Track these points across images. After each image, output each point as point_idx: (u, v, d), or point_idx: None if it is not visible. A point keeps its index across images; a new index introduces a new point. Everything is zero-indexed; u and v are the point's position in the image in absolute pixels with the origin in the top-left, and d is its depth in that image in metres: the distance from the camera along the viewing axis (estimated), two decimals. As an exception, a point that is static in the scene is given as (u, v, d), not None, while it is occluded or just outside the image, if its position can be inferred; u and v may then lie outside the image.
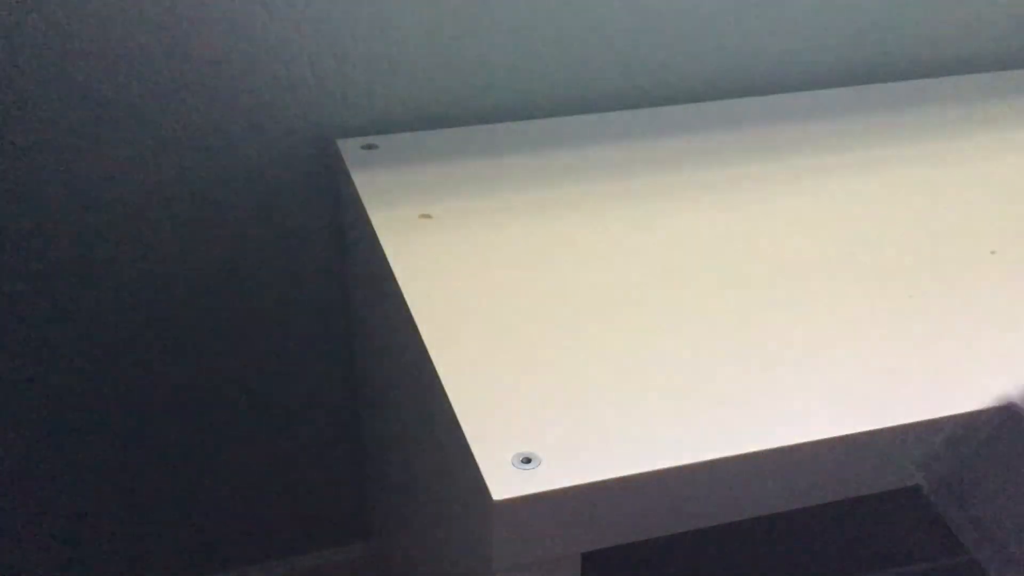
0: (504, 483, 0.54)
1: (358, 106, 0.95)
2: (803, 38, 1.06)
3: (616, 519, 0.57)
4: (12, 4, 0.83)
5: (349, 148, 0.93)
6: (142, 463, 1.06)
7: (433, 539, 0.77)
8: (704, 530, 0.60)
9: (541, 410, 0.60)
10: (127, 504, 1.08)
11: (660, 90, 1.04)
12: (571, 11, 0.97)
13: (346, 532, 1.18)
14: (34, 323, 0.96)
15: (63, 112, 0.88)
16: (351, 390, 1.09)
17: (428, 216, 0.82)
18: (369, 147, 0.93)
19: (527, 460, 0.56)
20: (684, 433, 0.59)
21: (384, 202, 0.83)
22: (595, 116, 1.00)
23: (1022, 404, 0.30)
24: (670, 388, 0.62)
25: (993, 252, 0.77)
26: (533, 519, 0.55)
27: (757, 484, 0.59)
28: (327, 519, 1.16)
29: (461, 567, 0.67)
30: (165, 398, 1.03)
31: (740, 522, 0.61)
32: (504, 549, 0.55)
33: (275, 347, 1.04)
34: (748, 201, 0.85)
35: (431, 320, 0.68)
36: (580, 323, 0.68)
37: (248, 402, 1.06)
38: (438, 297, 0.71)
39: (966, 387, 0.62)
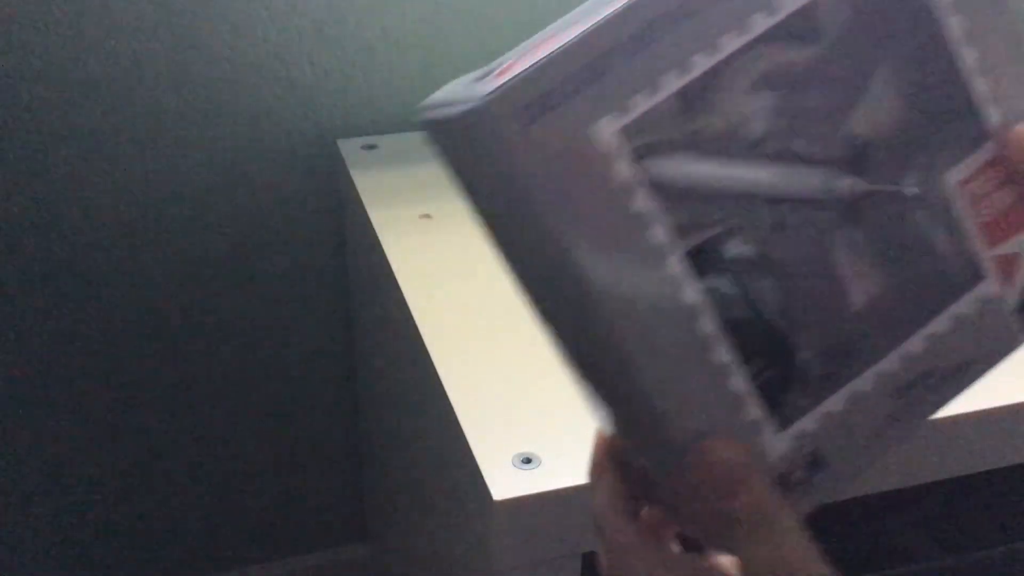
0: (504, 483, 0.54)
1: (358, 106, 0.95)
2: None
3: (616, 519, 0.57)
4: (16, 5, 0.83)
5: (349, 148, 0.92)
6: (142, 463, 1.06)
7: (433, 539, 0.77)
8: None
9: (541, 410, 0.60)
10: (127, 504, 1.08)
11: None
12: (570, 11, 0.97)
13: (346, 532, 1.18)
14: (33, 323, 0.96)
15: (64, 113, 0.88)
16: (351, 390, 1.09)
17: (428, 216, 0.81)
18: (369, 147, 0.93)
19: (527, 460, 0.56)
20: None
21: (384, 202, 0.83)
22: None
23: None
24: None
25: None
26: (533, 519, 0.55)
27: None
28: (327, 519, 1.16)
29: (461, 567, 0.66)
30: (165, 398, 1.03)
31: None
32: (504, 549, 0.55)
33: (275, 347, 1.04)
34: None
35: (431, 320, 0.68)
36: (580, 323, 0.68)
37: (248, 402, 1.06)
38: (438, 297, 0.71)
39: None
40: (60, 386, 0.99)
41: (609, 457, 0.38)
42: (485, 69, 0.33)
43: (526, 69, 0.30)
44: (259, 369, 1.05)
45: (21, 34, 0.84)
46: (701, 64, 0.32)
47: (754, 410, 0.33)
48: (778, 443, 0.34)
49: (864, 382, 0.35)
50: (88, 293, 0.96)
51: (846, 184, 0.36)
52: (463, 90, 0.32)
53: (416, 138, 0.95)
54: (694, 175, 0.34)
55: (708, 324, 0.32)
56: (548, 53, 0.30)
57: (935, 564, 0.73)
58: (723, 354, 0.33)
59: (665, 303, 0.32)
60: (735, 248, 0.36)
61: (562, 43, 0.30)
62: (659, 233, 0.32)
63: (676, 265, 0.32)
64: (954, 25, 0.34)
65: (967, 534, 0.75)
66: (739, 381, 0.33)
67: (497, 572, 0.56)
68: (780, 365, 0.35)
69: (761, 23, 0.32)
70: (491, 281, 0.73)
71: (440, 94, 0.34)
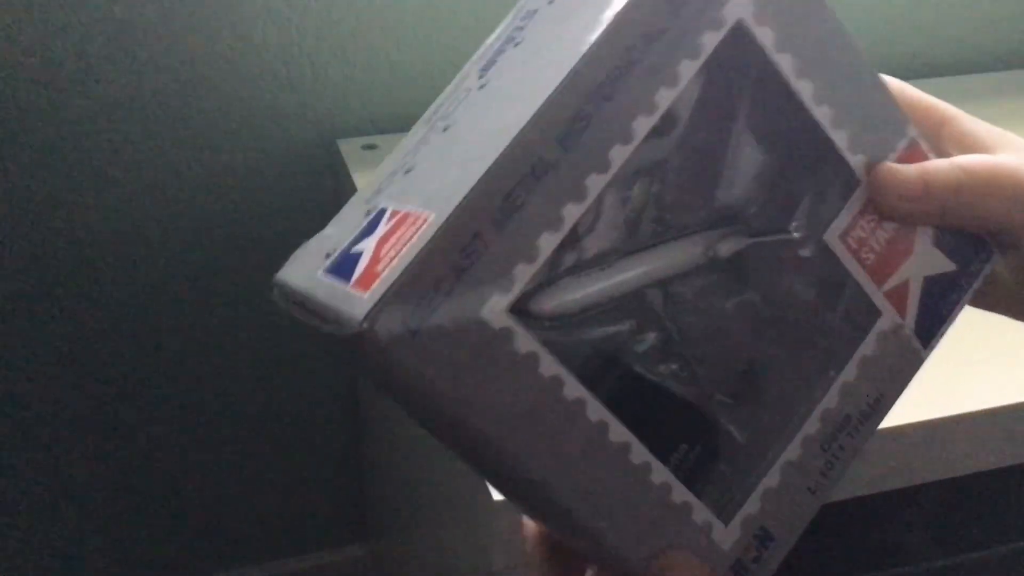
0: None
1: (358, 106, 0.95)
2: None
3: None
4: (16, 6, 0.83)
5: (349, 148, 0.92)
6: (142, 463, 1.06)
7: (433, 539, 0.77)
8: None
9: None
10: (127, 504, 1.08)
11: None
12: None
13: (346, 532, 1.18)
14: (33, 323, 0.96)
15: (63, 113, 0.88)
16: (351, 390, 1.09)
17: (428, 216, 0.81)
18: (369, 147, 0.93)
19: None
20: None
21: (384, 202, 0.83)
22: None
23: None
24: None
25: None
26: (533, 519, 0.55)
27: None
28: (327, 519, 1.16)
29: (461, 567, 0.66)
30: (164, 397, 1.03)
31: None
32: (504, 549, 0.55)
33: (275, 347, 1.04)
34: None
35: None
36: (580, 323, 0.68)
37: (248, 402, 1.06)
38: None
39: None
40: (59, 386, 0.99)
41: (543, 550, 0.38)
42: (341, 248, 0.32)
43: (398, 274, 0.28)
44: (259, 369, 1.05)
45: (21, 34, 0.84)
46: (572, 213, 0.31)
47: (701, 513, 0.34)
48: (729, 535, 0.35)
49: (793, 450, 0.36)
50: (87, 293, 0.96)
51: (727, 244, 0.37)
52: (333, 293, 0.30)
53: (416, 138, 0.95)
54: (581, 298, 0.35)
55: (640, 454, 0.33)
56: (413, 249, 0.29)
57: (935, 564, 0.73)
58: (660, 473, 0.33)
59: (594, 449, 0.32)
60: (642, 344, 0.37)
61: (424, 232, 0.29)
62: (574, 388, 0.31)
63: (598, 411, 0.32)
64: (803, 88, 0.35)
65: (967, 534, 0.75)
66: (681, 492, 0.34)
67: (497, 572, 0.56)
68: (705, 442, 0.36)
69: (621, 154, 0.31)
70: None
71: (299, 280, 0.32)
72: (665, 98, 0.32)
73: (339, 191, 0.96)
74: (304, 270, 0.33)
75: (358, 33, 0.92)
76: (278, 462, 1.11)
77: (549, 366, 0.31)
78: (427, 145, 0.34)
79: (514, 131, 0.30)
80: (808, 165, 0.37)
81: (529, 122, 0.30)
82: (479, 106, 0.33)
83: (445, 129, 0.34)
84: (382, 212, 0.32)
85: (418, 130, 0.36)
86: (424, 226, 0.29)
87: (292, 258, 0.34)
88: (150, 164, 0.92)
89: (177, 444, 1.06)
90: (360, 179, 0.87)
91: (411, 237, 0.29)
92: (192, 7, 0.87)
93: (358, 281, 0.29)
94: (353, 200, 0.35)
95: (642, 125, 0.31)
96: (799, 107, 0.35)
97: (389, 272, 0.29)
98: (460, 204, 0.29)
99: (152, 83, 0.89)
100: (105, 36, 0.86)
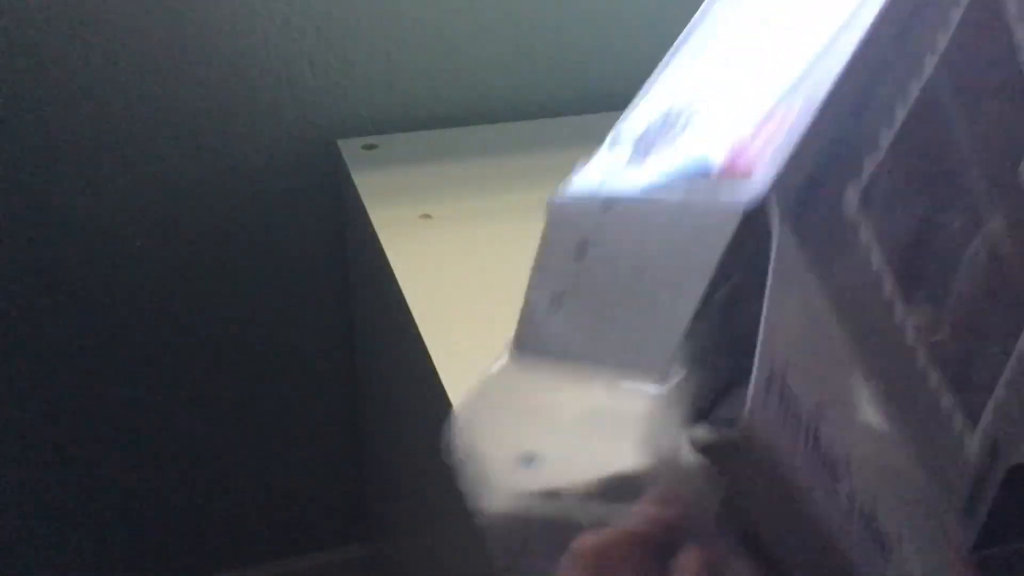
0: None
1: (358, 106, 0.95)
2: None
3: (616, 519, 0.57)
4: (16, 5, 0.83)
5: (349, 148, 0.92)
6: (142, 463, 1.06)
7: (433, 539, 0.77)
8: (704, 530, 0.60)
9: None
10: (125, 504, 1.08)
11: (660, 90, 1.04)
12: (570, 12, 0.97)
13: (346, 532, 1.18)
14: (33, 323, 0.96)
15: (63, 112, 0.88)
16: (351, 390, 1.09)
17: (428, 216, 0.82)
18: (369, 147, 0.93)
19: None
20: (684, 433, 0.58)
21: (384, 202, 0.83)
22: (595, 116, 1.00)
23: None
24: (670, 388, 0.62)
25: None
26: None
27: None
28: (327, 519, 1.16)
29: (461, 567, 0.66)
30: (165, 397, 1.03)
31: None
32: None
33: (275, 347, 1.04)
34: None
35: (431, 320, 0.68)
36: (580, 323, 0.68)
37: (248, 402, 1.06)
38: (438, 297, 0.71)
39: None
40: (59, 385, 0.99)
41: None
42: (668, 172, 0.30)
43: (789, 153, 0.27)
44: (259, 369, 1.05)
45: (21, 34, 0.84)
46: (900, 116, 0.31)
47: (959, 421, 0.35)
48: (973, 446, 0.35)
49: (1011, 369, 0.37)
50: (88, 292, 0.96)
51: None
52: (688, 187, 0.29)
53: (416, 138, 0.95)
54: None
55: (924, 357, 0.33)
56: (793, 132, 0.28)
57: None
58: (935, 380, 0.34)
59: (888, 328, 0.32)
60: None
61: (800, 117, 0.28)
62: (892, 287, 0.32)
63: (901, 312, 0.32)
64: (1019, 32, 0.36)
65: (967, 534, 0.75)
66: (948, 399, 0.34)
67: (497, 572, 0.56)
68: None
69: (929, 63, 0.32)
70: (491, 281, 0.73)
71: (607, 189, 0.31)
72: (942, 40, 0.32)
73: (339, 191, 0.96)
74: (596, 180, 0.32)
75: (358, 33, 0.92)
76: (278, 462, 1.11)
77: (878, 259, 0.31)
78: (703, 86, 0.33)
79: (860, 31, 0.29)
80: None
81: (872, 25, 0.30)
82: (760, 44, 0.32)
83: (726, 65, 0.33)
84: (691, 116, 0.31)
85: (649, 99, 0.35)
86: (794, 113, 0.29)
87: (559, 192, 0.33)
88: (150, 164, 0.92)
89: (175, 443, 1.06)
90: (360, 179, 0.87)
91: (783, 123, 0.29)
92: (192, 7, 0.87)
93: (725, 171, 0.29)
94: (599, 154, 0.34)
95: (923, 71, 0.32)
96: (1015, 49, 0.36)
97: (775, 153, 0.28)
98: (831, 90, 0.28)
99: (152, 83, 0.89)
100: (104, 36, 0.86)
